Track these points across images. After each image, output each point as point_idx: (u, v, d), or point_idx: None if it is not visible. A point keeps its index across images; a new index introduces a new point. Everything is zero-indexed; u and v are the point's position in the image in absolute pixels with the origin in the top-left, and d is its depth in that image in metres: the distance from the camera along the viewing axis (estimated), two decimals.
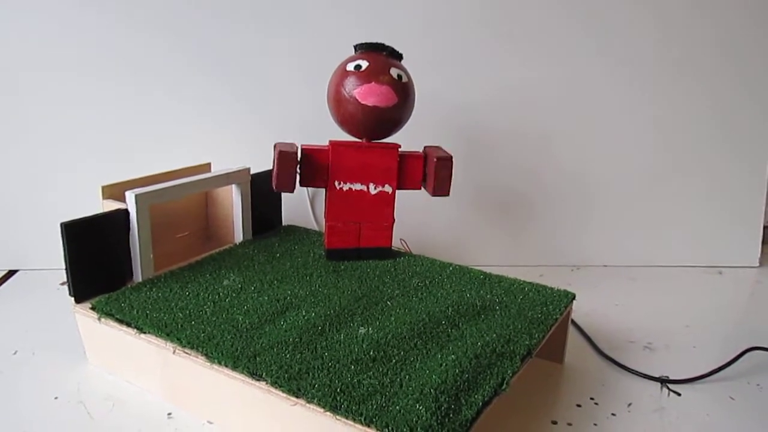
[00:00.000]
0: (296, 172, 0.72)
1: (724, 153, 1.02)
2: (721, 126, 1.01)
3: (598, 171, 1.02)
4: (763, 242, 1.06)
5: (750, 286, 0.99)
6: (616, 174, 1.02)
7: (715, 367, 0.70)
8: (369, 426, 0.47)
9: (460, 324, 0.62)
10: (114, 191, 0.74)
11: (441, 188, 0.76)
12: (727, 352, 0.73)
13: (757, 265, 1.06)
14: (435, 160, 0.74)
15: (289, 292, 0.68)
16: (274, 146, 0.72)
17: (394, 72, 0.72)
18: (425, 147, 0.79)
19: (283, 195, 0.90)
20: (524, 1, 0.94)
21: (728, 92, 0.99)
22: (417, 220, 0.98)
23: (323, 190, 0.77)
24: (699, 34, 0.97)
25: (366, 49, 0.74)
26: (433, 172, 0.75)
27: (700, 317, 0.86)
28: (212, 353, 0.56)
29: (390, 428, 0.46)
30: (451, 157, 0.75)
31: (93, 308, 0.64)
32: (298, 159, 0.73)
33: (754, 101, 1.00)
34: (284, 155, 0.71)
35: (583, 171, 1.01)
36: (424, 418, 0.47)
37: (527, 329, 0.62)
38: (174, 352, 0.58)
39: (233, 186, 0.82)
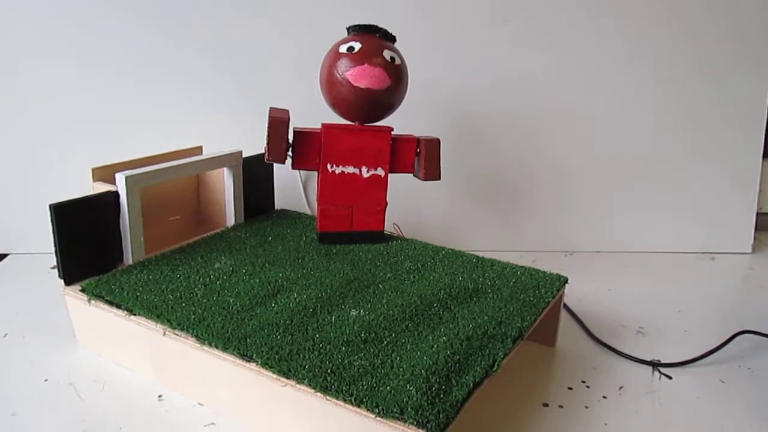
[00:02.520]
0: (288, 140, 0.72)
1: (717, 139, 1.02)
2: (714, 112, 1.01)
3: (592, 157, 1.01)
4: (756, 228, 1.06)
5: (742, 271, 0.99)
6: (609, 160, 1.02)
7: (706, 350, 0.70)
8: (359, 406, 0.47)
9: (452, 307, 0.62)
10: (104, 173, 0.73)
11: (432, 171, 0.76)
12: (718, 337, 0.73)
13: (750, 251, 1.06)
14: (424, 142, 0.75)
15: (281, 274, 0.67)
16: (269, 111, 0.71)
17: (387, 54, 0.72)
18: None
19: (276, 179, 0.89)
20: None
21: (723, 79, 0.99)
22: (410, 204, 0.98)
23: (316, 173, 0.76)
24: (696, 20, 0.96)
25: (359, 30, 0.74)
26: (424, 154, 0.75)
27: (692, 302, 0.86)
28: (202, 335, 0.55)
29: (380, 408, 0.46)
30: (439, 140, 0.75)
31: (83, 290, 0.64)
32: (289, 124, 0.72)
33: (749, 88, 1.00)
34: (276, 121, 0.70)
35: (577, 157, 1.01)
36: (414, 398, 0.47)
37: (519, 312, 0.62)
38: (164, 333, 0.58)
39: (225, 169, 0.81)
